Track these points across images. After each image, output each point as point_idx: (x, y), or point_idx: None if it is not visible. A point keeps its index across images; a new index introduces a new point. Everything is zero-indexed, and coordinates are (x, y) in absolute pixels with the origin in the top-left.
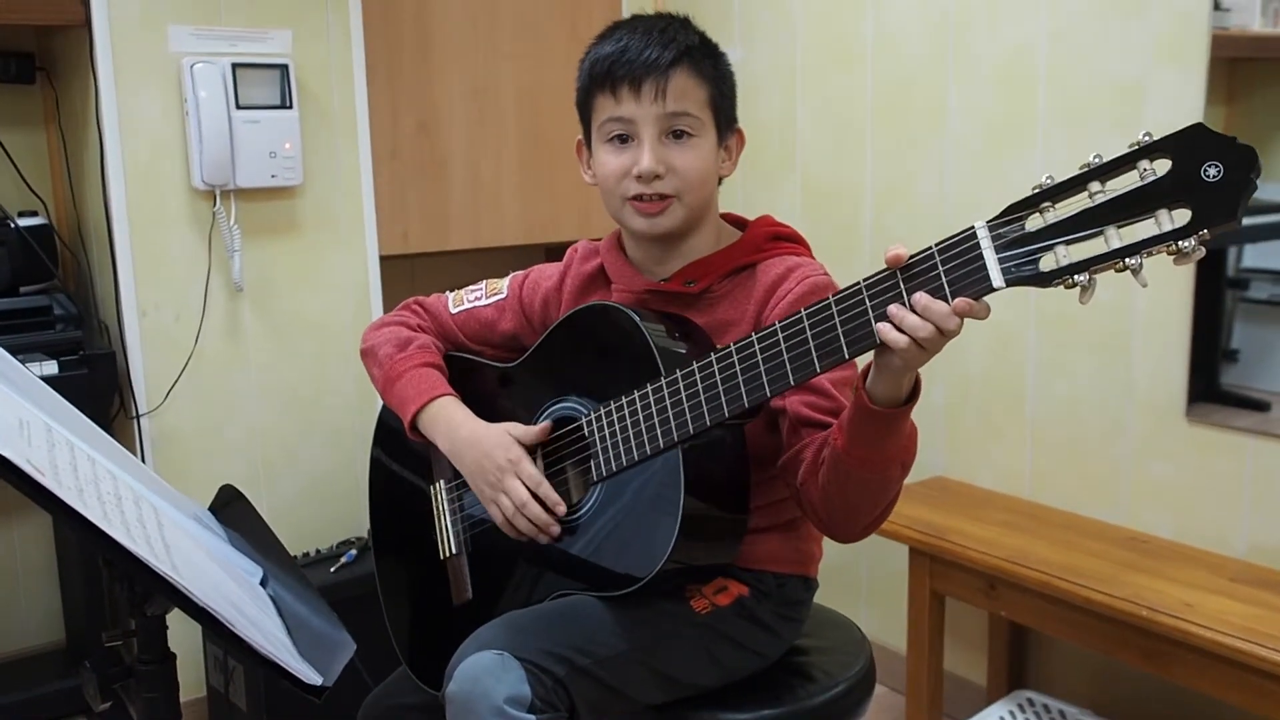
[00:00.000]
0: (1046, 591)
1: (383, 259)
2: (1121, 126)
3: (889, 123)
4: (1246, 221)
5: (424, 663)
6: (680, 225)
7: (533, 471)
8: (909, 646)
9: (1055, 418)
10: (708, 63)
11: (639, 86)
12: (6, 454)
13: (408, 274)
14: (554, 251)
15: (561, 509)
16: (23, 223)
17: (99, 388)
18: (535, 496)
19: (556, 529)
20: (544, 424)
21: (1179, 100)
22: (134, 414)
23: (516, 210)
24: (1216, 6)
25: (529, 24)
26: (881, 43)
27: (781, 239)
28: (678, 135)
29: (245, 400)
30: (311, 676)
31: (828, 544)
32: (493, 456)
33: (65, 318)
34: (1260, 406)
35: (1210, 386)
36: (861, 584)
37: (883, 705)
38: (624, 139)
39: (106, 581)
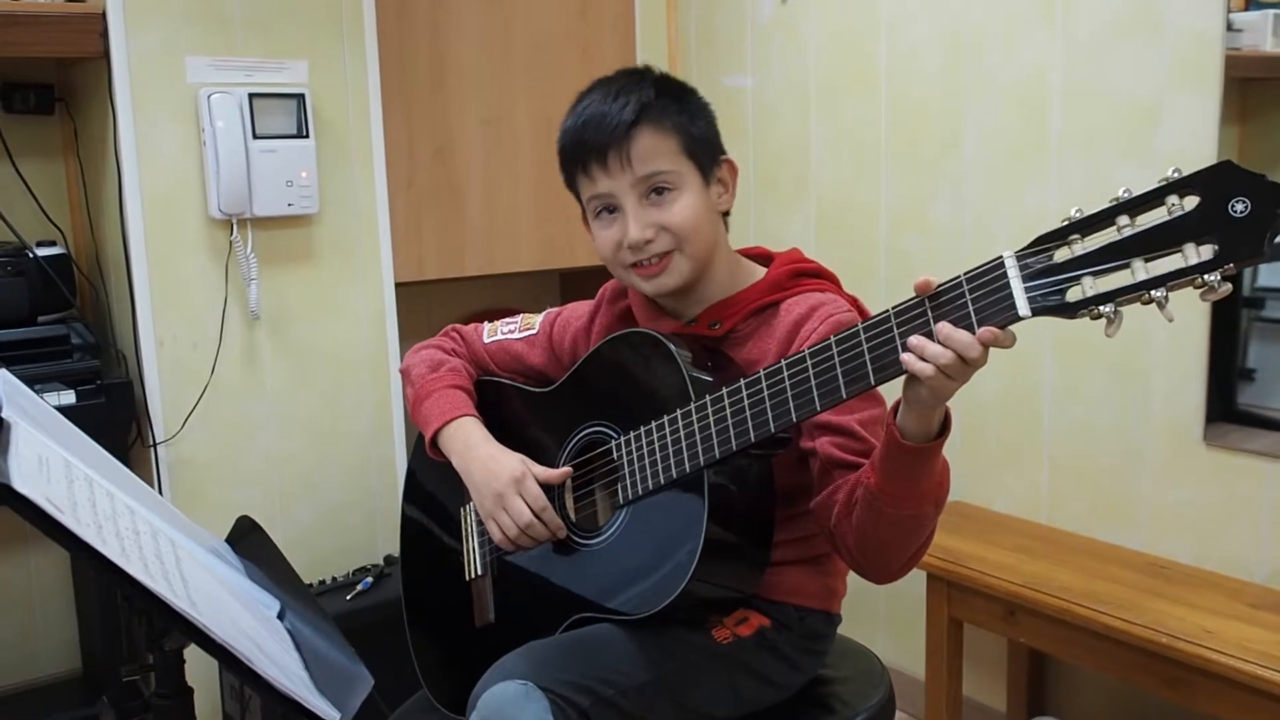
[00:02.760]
0: (1066, 618)
1: (399, 286)
2: (1136, 150)
3: (903, 146)
4: None
5: (443, 683)
6: (688, 276)
7: (538, 493)
8: (928, 673)
9: (1072, 442)
10: (670, 111)
11: (605, 160)
12: (25, 492)
13: (424, 301)
14: (568, 277)
15: (562, 534)
16: (41, 252)
17: (116, 417)
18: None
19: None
20: (565, 468)
21: (1193, 123)
22: (151, 442)
23: (532, 236)
24: (1229, 27)
25: (541, 50)
26: (895, 66)
27: (805, 275)
28: (658, 192)
29: (262, 428)
30: (329, 713)
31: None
32: (500, 475)
33: (83, 347)
34: (1278, 426)
35: (1227, 406)
36: (880, 610)
37: None
38: (610, 210)
39: (125, 615)
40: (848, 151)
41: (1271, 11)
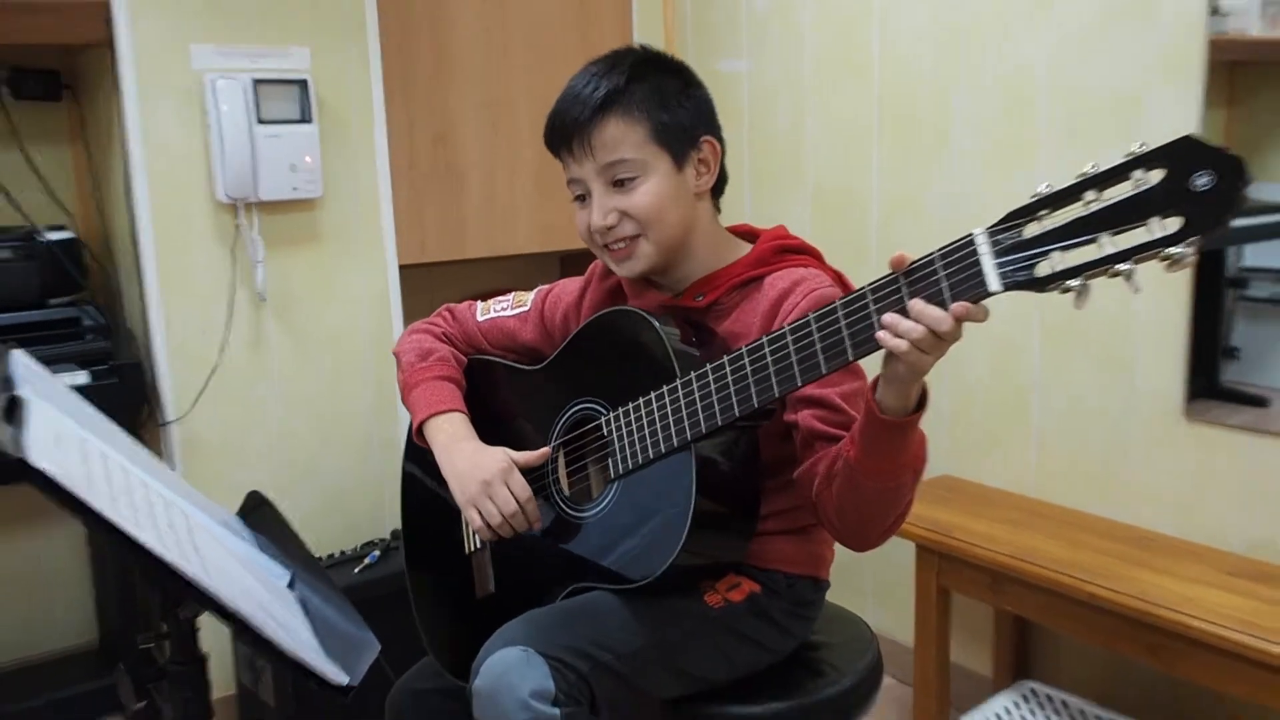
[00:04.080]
0: (1050, 587)
1: (401, 268)
2: (1122, 137)
3: (896, 133)
4: (1246, 222)
5: (447, 651)
6: (654, 260)
7: (523, 484)
8: (916, 640)
9: (1058, 417)
10: (641, 97)
11: (572, 148)
12: (43, 467)
13: (426, 283)
14: (567, 259)
15: (538, 526)
16: (51, 236)
17: (128, 396)
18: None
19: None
20: (543, 449)
21: (1177, 110)
22: (162, 421)
23: (531, 219)
24: (1215, 11)
25: (540, 36)
26: (888, 56)
27: (789, 251)
28: (620, 183)
29: (269, 407)
30: (338, 676)
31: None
32: (487, 467)
33: (94, 328)
34: (1260, 402)
35: (1211, 383)
36: (870, 580)
37: (891, 696)
38: (582, 198)
39: (140, 586)
40: (842, 137)
41: None
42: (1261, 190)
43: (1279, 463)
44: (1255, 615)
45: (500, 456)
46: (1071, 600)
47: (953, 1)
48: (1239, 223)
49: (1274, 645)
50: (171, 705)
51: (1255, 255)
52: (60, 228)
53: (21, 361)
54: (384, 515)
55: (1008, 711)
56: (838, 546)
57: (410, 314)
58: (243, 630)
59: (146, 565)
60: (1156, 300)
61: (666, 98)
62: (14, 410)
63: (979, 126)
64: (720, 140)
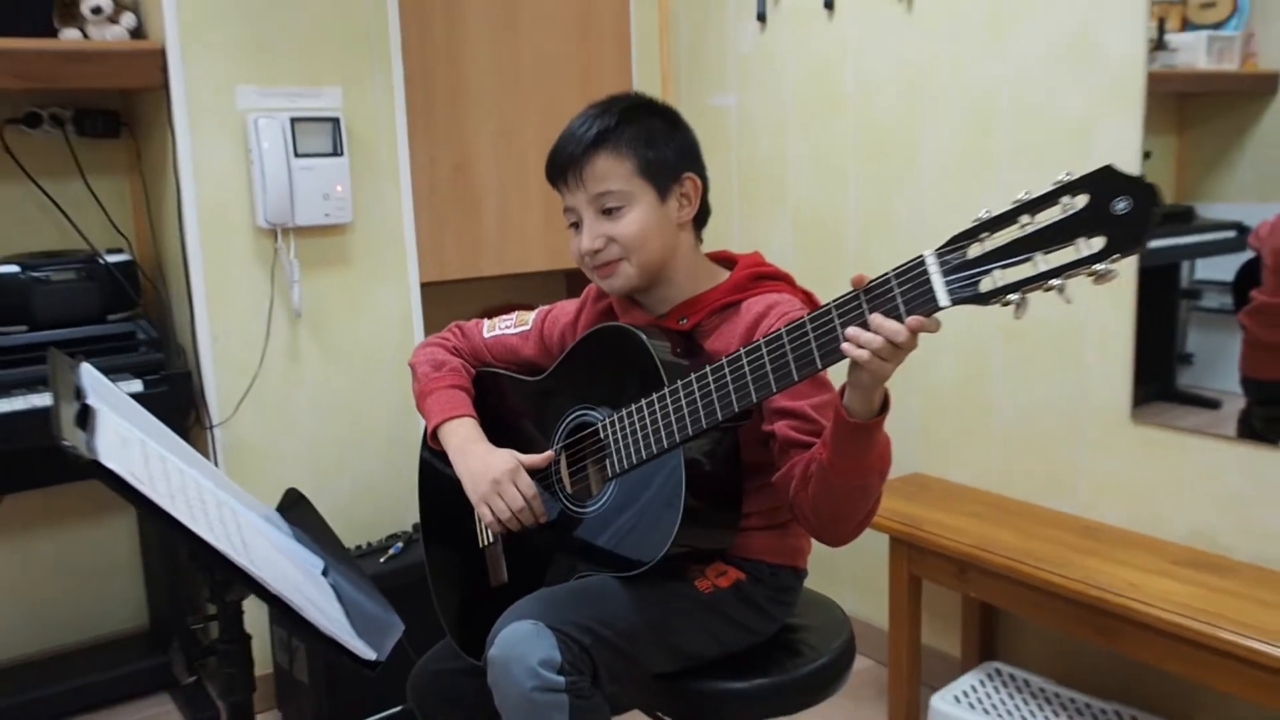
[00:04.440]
0: (1009, 574)
1: (423, 285)
2: (1073, 161)
3: (869, 160)
4: (1198, 239)
5: (465, 635)
6: (636, 280)
7: (529, 483)
8: (890, 624)
9: (1018, 420)
10: (629, 136)
11: (567, 179)
12: (112, 466)
13: (446, 298)
14: (574, 276)
15: (543, 520)
16: (110, 259)
17: (177, 402)
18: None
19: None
20: (547, 453)
21: (1121, 136)
22: (208, 425)
23: (541, 240)
24: (1164, 46)
25: (548, 73)
26: (861, 91)
27: (764, 277)
28: (608, 211)
29: (303, 413)
30: (366, 653)
31: None
32: (496, 467)
33: (148, 341)
34: (1213, 405)
35: (1167, 388)
36: (849, 569)
37: (869, 677)
38: (576, 225)
39: (191, 572)
40: (820, 165)
41: (1205, 33)
42: (1210, 209)
43: (1216, 461)
44: (1193, 599)
45: (508, 457)
46: (1028, 586)
47: (917, 41)
48: (1191, 239)
49: (1209, 626)
50: (219, 679)
51: (1206, 269)
52: (118, 251)
53: (89, 374)
54: (406, 510)
55: (973, 689)
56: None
57: (431, 327)
58: (283, 611)
59: (199, 553)
60: (1104, 313)
61: (653, 137)
62: (85, 417)
63: (943, 153)
64: (703, 177)
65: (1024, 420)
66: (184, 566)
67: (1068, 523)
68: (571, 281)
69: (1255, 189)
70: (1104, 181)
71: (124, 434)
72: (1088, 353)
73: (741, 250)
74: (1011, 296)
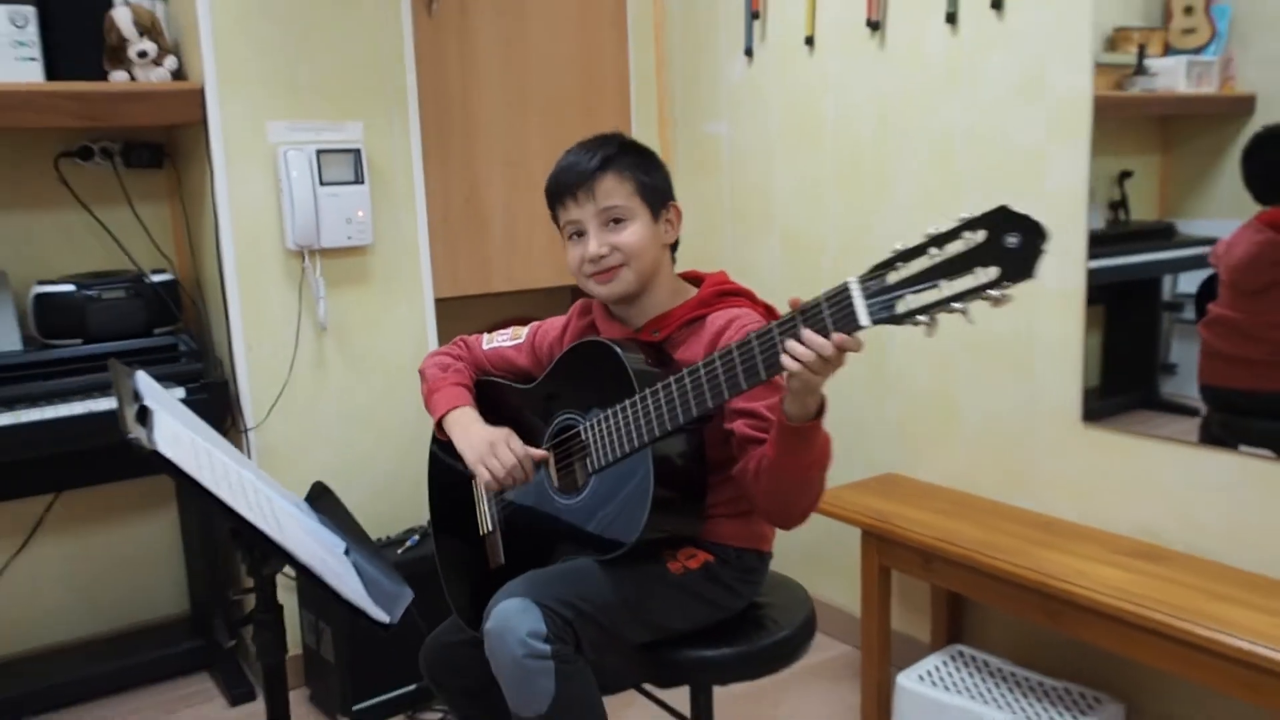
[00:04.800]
0: (969, 564)
1: (437, 301)
2: (1029, 187)
3: (846, 186)
4: (1178, 254)
5: (469, 611)
6: (633, 286)
7: (520, 444)
8: (862, 610)
9: (982, 425)
10: (628, 165)
11: (576, 195)
12: (169, 455)
13: (459, 313)
14: (577, 291)
15: (530, 479)
16: (155, 278)
17: (215, 408)
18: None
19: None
20: (541, 450)
21: (1070, 164)
22: (242, 429)
23: (545, 258)
24: (1143, 71)
25: (552, 107)
26: (839, 123)
27: (728, 294)
28: (615, 221)
29: (329, 417)
30: (381, 616)
31: (802, 530)
32: (492, 435)
33: (189, 353)
34: (1193, 413)
35: (1150, 397)
36: (825, 560)
37: (845, 660)
38: (579, 234)
39: (230, 557)
40: (803, 189)
41: (1185, 57)
42: (1190, 226)
43: (1159, 460)
44: (1133, 585)
45: (501, 429)
46: (984, 574)
47: (889, 79)
48: (1171, 254)
49: (1145, 609)
50: (257, 644)
51: (1188, 283)
52: (162, 271)
53: (144, 380)
54: (421, 506)
55: (937, 669)
56: (802, 530)
57: (444, 339)
58: (311, 579)
59: (242, 531)
60: (1055, 326)
61: (647, 167)
62: (145, 416)
63: (913, 179)
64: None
65: (986, 424)
66: (221, 557)
67: (1025, 517)
68: (574, 296)
69: (1234, 206)
70: (999, 219)
71: (176, 430)
72: (1041, 362)
73: (718, 268)
74: (921, 318)
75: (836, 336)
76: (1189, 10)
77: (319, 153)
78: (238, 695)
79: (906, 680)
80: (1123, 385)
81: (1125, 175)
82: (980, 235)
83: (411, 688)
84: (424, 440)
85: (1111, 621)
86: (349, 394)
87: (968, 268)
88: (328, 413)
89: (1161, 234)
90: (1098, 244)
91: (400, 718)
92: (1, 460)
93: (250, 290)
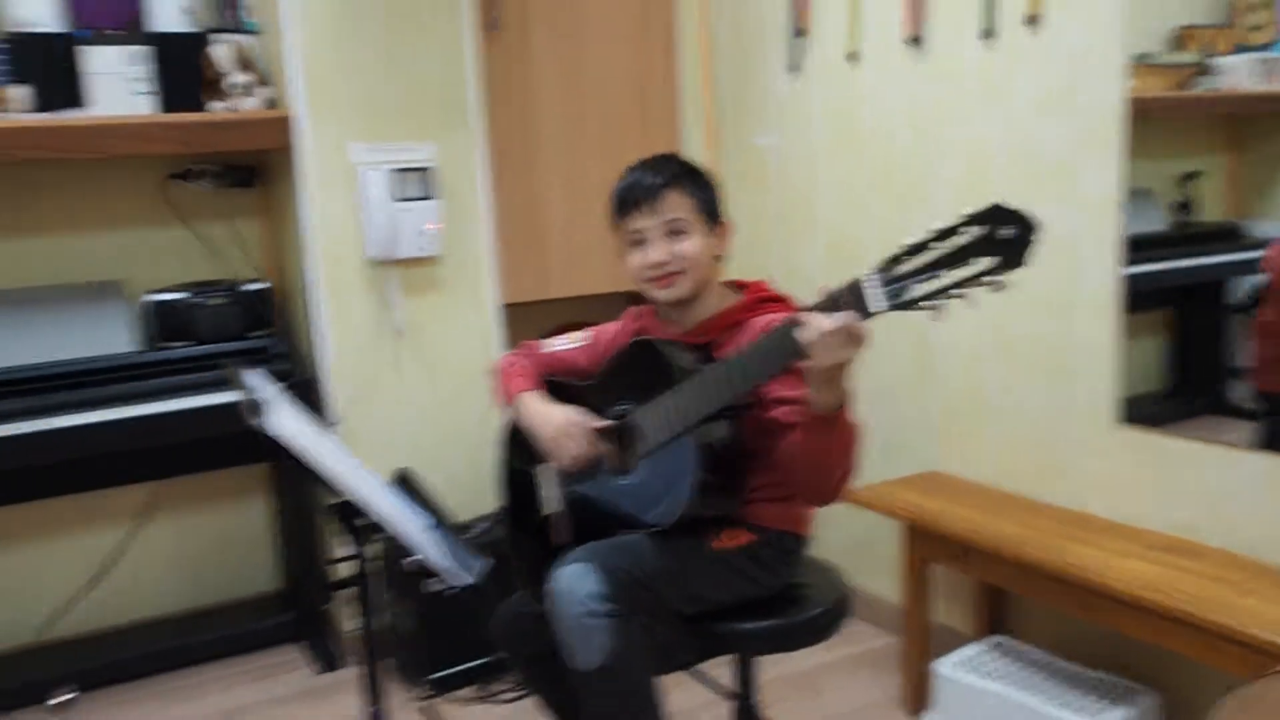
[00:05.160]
0: (1005, 556)
1: (503, 307)
2: (1061, 195)
3: (886, 192)
4: (1243, 256)
5: (535, 583)
6: (688, 292)
7: (588, 420)
8: (903, 600)
9: (1019, 424)
10: (689, 183)
11: (641, 207)
12: (285, 438)
13: (522, 318)
14: (631, 297)
15: (597, 454)
16: (250, 287)
17: (303, 406)
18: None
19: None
20: (604, 423)
21: (1101, 174)
22: (327, 425)
23: (601, 266)
24: (1207, 70)
25: (607, 123)
26: (878, 134)
27: (767, 300)
28: (676, 233)
29: (404, 415)
30: (465, 578)
31: (847, 524)
32: (565, 415)
33: (279, 354)
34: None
35: (1217, 401)
36: (869, 553)
37: (888, 651)
38: (641, 242)
39: (325, 528)
40: (845, 196)
41: (1252, 55)
42: (1260, 226)
43: (1186, 459)
44: (1159, 578)
45: (572, 412)
46: (1021, 567)
47: (925, 91)
48: (1235, 256)
49: (1172, 599)
50: (349, 613)
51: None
52: (256, 280)
53: (255, 377)
54: (490, 497)
55: (974, 658)
56: (850, 524)
57: (509, 342)
58: (404, 546)
59: (345, 506)
60: (1089, 329)
61: (704, 187)
62: (258, 407)
63: (949, 186)
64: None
65: (1023, 424)
66: (312, 538)
67: (1060, 514)
68: (628, 301)
69: None
70: (995, 215)
71: (284, 418)
72: (1076, 365)
73: (765, 271)
74: (927, 304)
75: (841, 316)
76: (1256, 6)
77: (394, 171)
78: (323, 665)
79: (944, 667)
80: (1192, 388)
81: (1190, 176)
82: (978, 230)
83: (484, 661)
84: (491, 437)
85: (1143, 612)
86: (422, 393)
87: (967, 258)
88: (403, 411)
89: (1226, 235)
90: (1159, 246)
91: (473, 689)
92: (118, 449)
93: (333, 297)
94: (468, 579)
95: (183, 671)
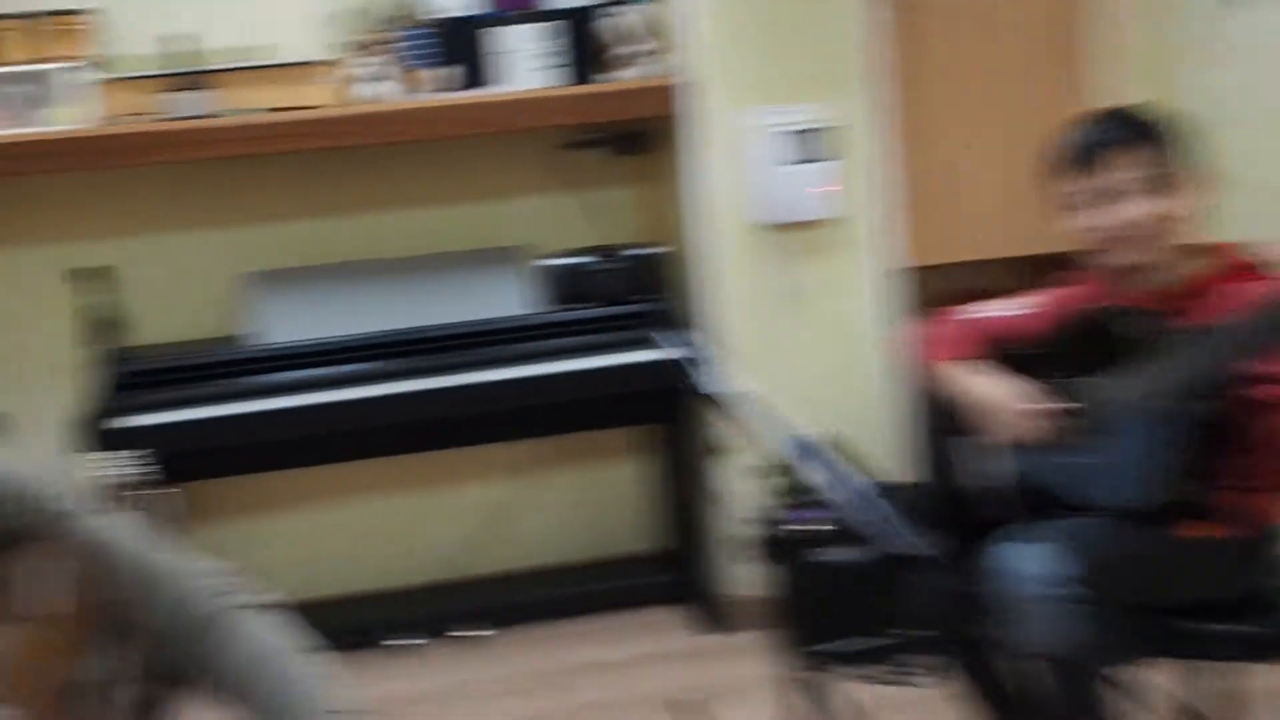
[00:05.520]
0: None
1: (897, 271)
2: None
3: None
4: None
5: (964, 561)
6: (1163, 255)
7: (1041, 398)
8: None
9: None
10: (1144, 139)
11: (1094, 165)
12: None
13: (919, 282)
14: (1040, 261)
15: (1045, 433)
16: (643, 252)
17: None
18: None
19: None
20: (1051, 405)
21: None
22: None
23: (1010, 226)
24: None
25: (1009, 78)
26: None
27: (1242, 268)
28: (1154, 191)
29: (798, 381)
30: (919, 550)
31: None
32: (1003, 390)
33: (670, 319)
34: None
35: None
36: None
37: None
38: (1093, 203)
39: (693, 508)
40: None
41: None
42: None
43: None
44: None
45: (1020, 382)
46: None
47: None
48: None
49: None
50: (749, 576)
51: None
52: (647, 245)
53: (682, 337)
54: (889, 466)
55: None
56: None
57: (911, 307)
58: (844, 511)
59: (771, 465)
60: None
61: (1163, 142)
62: (694, 365)
63: None
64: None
65: None
66: (693, 501)
67: None
68: (1038, 267)
69: None
70: None
71: (716, 374)
72: None
73: (1215, 233)
74: None
75: None
76: None
77: (788, 134)
78: (699, 628)
79: None
80: None
81: None
82: None
83: (876, 637)
84: (889, 405)
85: None
86: (814, 357)
87: None
88: (798, 377)
89: None
90: None
91: (878, 667)
92: (513, 405)
93: (725, 261)
94: (924, 550)
95: (553, 623)
